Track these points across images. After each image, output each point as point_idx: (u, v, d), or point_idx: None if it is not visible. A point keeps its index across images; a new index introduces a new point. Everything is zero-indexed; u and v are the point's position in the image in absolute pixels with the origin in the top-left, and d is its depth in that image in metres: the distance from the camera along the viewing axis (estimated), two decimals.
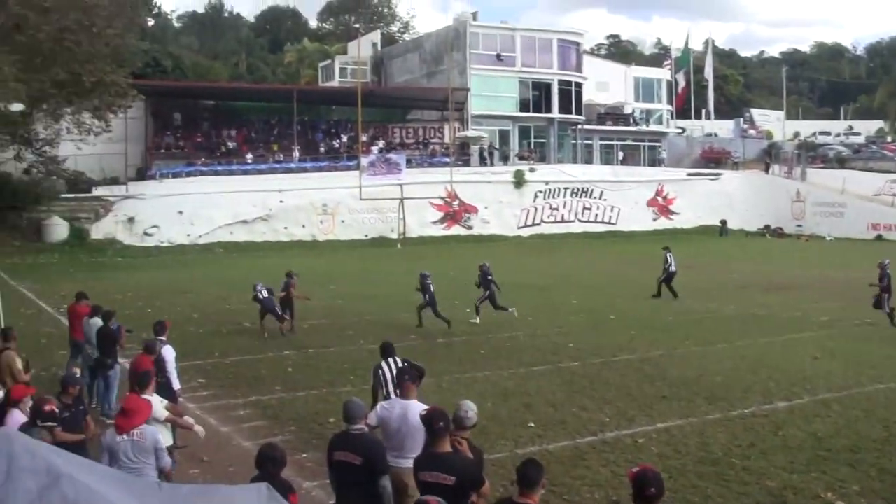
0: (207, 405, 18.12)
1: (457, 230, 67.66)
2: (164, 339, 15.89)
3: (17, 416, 12.15)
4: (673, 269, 35.23)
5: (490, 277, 29.38)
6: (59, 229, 57.34)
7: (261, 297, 27.39)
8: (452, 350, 23.97)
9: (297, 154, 67.38)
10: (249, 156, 66.81)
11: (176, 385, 15.70)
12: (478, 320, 28.69)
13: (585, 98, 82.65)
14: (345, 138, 71.86)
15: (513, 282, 39.17)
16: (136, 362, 14.84)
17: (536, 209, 71.15)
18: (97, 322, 18.59)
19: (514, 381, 19.86)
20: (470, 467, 8.75)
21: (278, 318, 26.89)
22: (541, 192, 71.19)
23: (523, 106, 78.56)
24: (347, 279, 41.68)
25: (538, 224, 70.94)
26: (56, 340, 23.92)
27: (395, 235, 64.41)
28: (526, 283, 38.44)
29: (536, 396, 18.44)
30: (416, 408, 10.19)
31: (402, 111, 79.86)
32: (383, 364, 13.50)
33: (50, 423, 11.27)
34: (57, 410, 11.48)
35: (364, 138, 67.42)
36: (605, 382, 19.64)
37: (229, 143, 68.81)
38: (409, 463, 9.49)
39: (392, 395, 12.63)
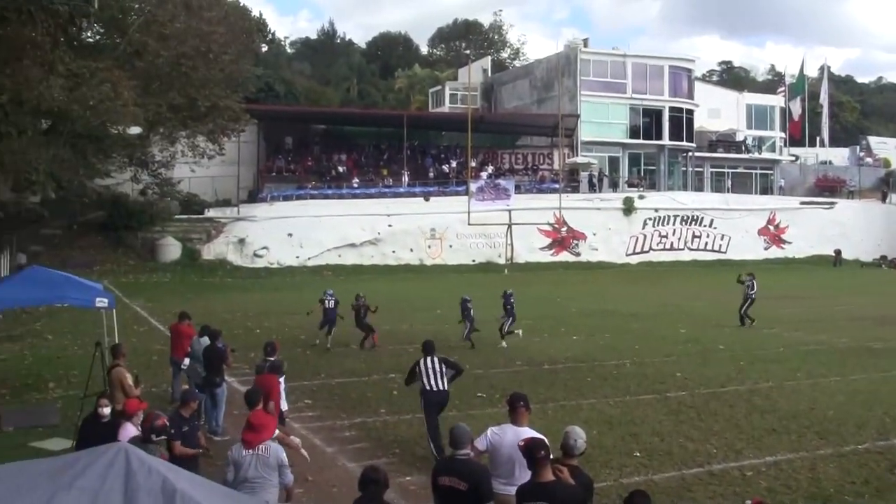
0: (313, 426, 18.30)
1: (565, 256, 67.43)
2: (273, 359, 16.12)
3: (130, 430, 12.45)
4: (754, 295, 35.10)
5: (511, 305, 30.44)
6: (171, 249, 58.81)
7: (327, 305, 28.59)
8: (558, 377, 23.80)
9: (405, 179, 67.89)
10: (356, 181, 67.54)
11: (284, 406, 15.93)
12: (504, 344, 29.36)
13: (697, 125, 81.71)
14: (454, 163, 72.16)
15: (620, 310, 38.94)
16: (263, 381, 15.16)
17: (645, 237, 70.56)
18: (205, 341, 18.95)
19: (619, 410, 19.63)
20: (573, 495, 8.62)
21: (365, 332, 28.93)
22: (650, 219, 70.61)
23: (633, 133, 78.03)
24: (454, 304, 41.66)
25: (647, 252, 70.31)
26: (166, 358, 24.35)
27: (502, 261, 64.43)
28: (633, 312, 38.11)
29: (642, 426, 18.21)
30: (529, 434, 10.04)
31: (511, 137, 79.98)
32: (422, 360, 16.10)
33: (162, 437, 11.59)
34: (168, 425, 11.77)
35: (473, 164, 67.72)
36: (713, 413, 19.29)
37: (339, 168, 69.67)
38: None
39: (430, 386, 15.80)
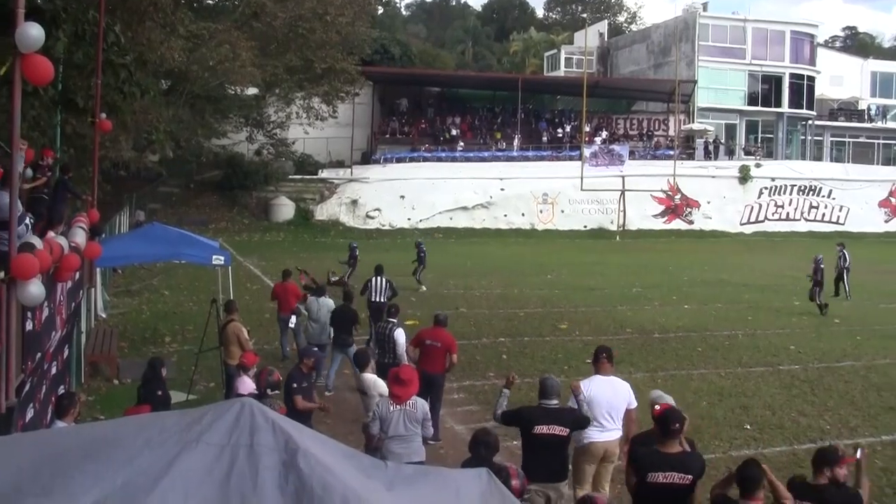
0: None
1: (677, 224, 66.66)
2: (395, 321, 16.28)
3: (248, 384, 12.81)
4: (847, 266, 34.61)
5: (423, 253, 34.72)
6: (285, 209, 59.71)
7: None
8: (668, 346, 23.66)
9: (517, 143, 67.72)
10: (461, 144, 67.68)
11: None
12: (424, 288, 33.08)
13: (818, 92, 79.70)
14: (568, 128, 71.75)
15: (732, 280, 38.45)
16: (433, 333, 15.47)
17: (761, 206, 69.22)
18: (327, 302, 19.29)
19: (730, 381, 19.48)
20: (702, 463, 8.74)
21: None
22: (766, 188, 69.21)
23: (752, 99, 76.56)
24: (565, 269, 41.66)
25: (762, 221, 68.99)
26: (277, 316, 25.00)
27: (614, 227, 64.03)
28: (746, 282, 37.61)
29: (754, 398, 18.04)
30: (621, 384, 11.42)
31: (626, 102, 79.16)
32: (372, 279, 22.27)
33: (276, 392, 11.89)
34: (282, 380, 12.05)
35: (587, 129, 67.23)
36: (827, 388, 19.00)
37: (453, 131, 69.83)
38: (616, 435, 11.08)
39: (374, 298, 21.87)
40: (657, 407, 9.26)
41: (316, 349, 14.73)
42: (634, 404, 11.31)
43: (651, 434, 9.22)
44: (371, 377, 12.92)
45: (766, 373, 20.53)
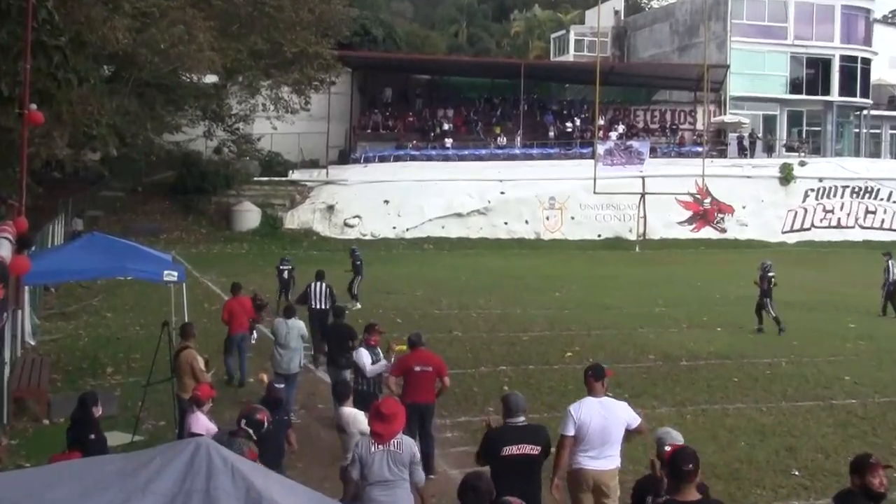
0: None
1: (707, 233, 66.62)
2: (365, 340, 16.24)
3: (202, 421, 12.64)
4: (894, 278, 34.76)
5: (360, 262, 35.33)
6: (250, 216, 59.62)
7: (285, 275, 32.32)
8: (698, 375, 23.56)
9: (518, 139, 67.76)
10: (449, 141, 67.73)
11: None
12: (359, 305, 33.34)
13: (874, 77, 79.83)
14: (578, 121, 71.87)
15: (774, 297, 38.34)
16: (420, 357, 15.57)
17: (806, 211, 69.15)
18: (297, 324, 19.28)
19: (773, 418, 19.34)
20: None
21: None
22: (812, 190, 69.09)
23: (794, 87, 76.56)
24: (575, 285, 41.64)
25: (808, 229, 68.87)
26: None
27: (633, 236, 64.03)
28: (790, 300, 37.52)
29: (802, 438, 17.91)
30: (616, 404, 11.96)
31: (646, 91, 79.34)
32: (312, 284, 24.99)
33: (254, 435, 11.56)
34: (269, 421, 11.66)
35: (601, 122, 67.33)
36: (892, 427, 18.84)
37: (445, 125, 69.87)
38: (611, 464, 11.55)
39: (315, 305, 24.45)
40: (667, 448, 9.25)
41: (282, 386, 14.46)
42: (637, 420, 11.81)
43: (654, 479, 9.46)
44: (351, 412, 12.80)
45: (815, 408, 20.38)
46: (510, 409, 10.93)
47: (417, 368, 15.34)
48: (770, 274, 31.18)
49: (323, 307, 24.18)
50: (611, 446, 11.50)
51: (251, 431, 11.15)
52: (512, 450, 10.61)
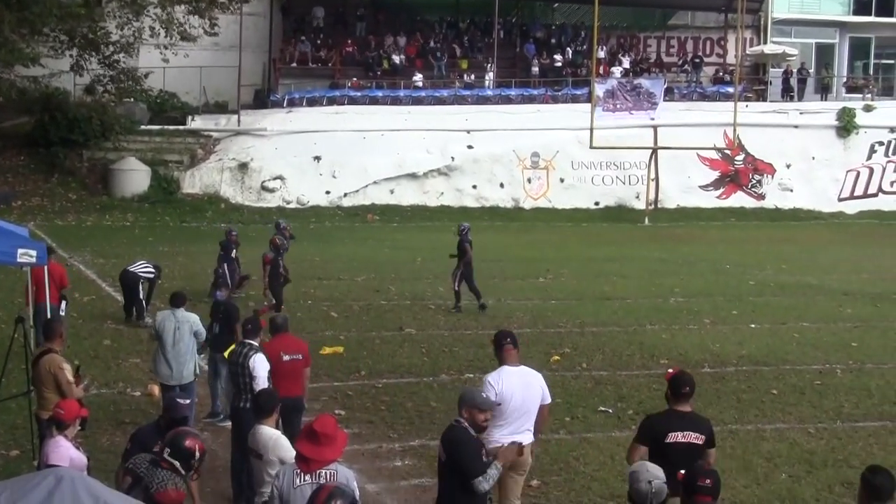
0: (348, 449, 18.22)
1: (740, 200, 66.76)
2: (254, 343, 16.02)
3: (64, 449, 12.46)
4: None
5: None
6: (135, 177, 58.92)
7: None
8: (725, 386, 23.55)
9: (491, 77, 67.71)
10: (418, 76, 67.67)
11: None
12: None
13: None
14: (570, 53, 71.89)
15: (826, 285, 38.53)
16: (286, 343, 16.35)
17: (872, 171, 69.31)
18: (188, 317, 18.97)
19: (825, 442, 19.40)
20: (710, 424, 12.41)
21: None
22: (881, 144, 69.29)
23: (860, 6, 76.39)
24: (566, 268, 41.70)
25: (874, 195, 69.06)
26: (125, 342, 24.71)
27: (641, 205, 64.13)
28: (849, 289, 37.73)
29: (863, 469, 17.97)
30: (534, 375, 13.85)
31: (661, 13, 79.27)
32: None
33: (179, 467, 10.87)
34: (202, 454, 10.95)
35: (601, 54, 67.36)
36: None
37: (395, 58, 69.61)
38: (528, 439, 13.34)
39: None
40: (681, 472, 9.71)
41: (187, 402, 14.17)
42: (549, 399, 13.91)
43: None
44: (271, 433, 12.46)
45: (881, 430, 20.44)
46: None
47: (286, 357, 15.97)
48: (469, 238, 32.32)
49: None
50: (528, 419, 13.40)
51: (177, 464, 10.65)
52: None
